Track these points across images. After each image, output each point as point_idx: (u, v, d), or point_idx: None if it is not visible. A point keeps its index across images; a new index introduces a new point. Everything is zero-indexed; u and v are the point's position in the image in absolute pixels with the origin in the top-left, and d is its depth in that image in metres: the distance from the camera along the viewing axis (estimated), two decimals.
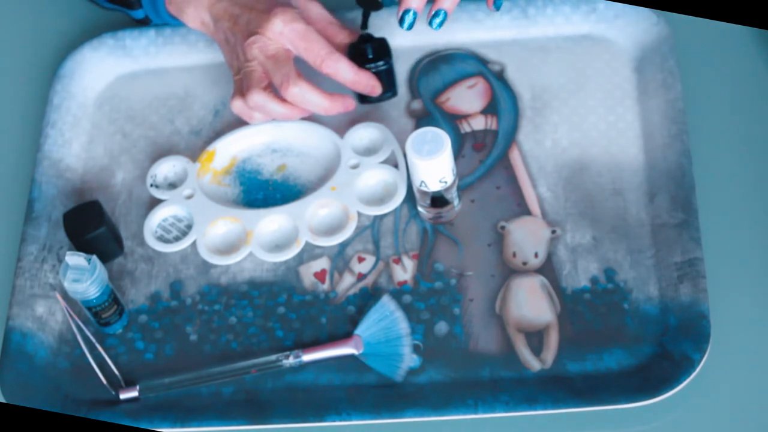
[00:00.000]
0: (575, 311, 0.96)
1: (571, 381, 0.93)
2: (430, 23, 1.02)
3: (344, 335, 0.97)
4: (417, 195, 1.00)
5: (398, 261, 1.01)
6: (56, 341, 1.00)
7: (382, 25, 1.12)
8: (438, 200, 1.00)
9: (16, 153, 1.12)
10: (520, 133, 1.06)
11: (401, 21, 1.01)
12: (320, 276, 1.01)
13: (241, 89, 1.03)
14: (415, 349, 0.96)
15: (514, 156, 1.05)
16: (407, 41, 1.12)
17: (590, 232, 1.00)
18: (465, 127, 1.08)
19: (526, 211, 1.02)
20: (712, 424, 0.91)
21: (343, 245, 1.02)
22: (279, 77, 1.01)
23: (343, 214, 1.04)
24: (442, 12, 1.01)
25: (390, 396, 0.93)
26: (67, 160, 1.09)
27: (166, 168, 1.08)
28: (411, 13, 1.01)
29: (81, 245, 1.01)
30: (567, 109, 1.07)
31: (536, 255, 1.00)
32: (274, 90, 1.03)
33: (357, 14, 1.12)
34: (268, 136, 1.09)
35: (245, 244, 1.02)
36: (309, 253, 1.02)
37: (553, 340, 0.95)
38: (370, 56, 1.06)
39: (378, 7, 1.07)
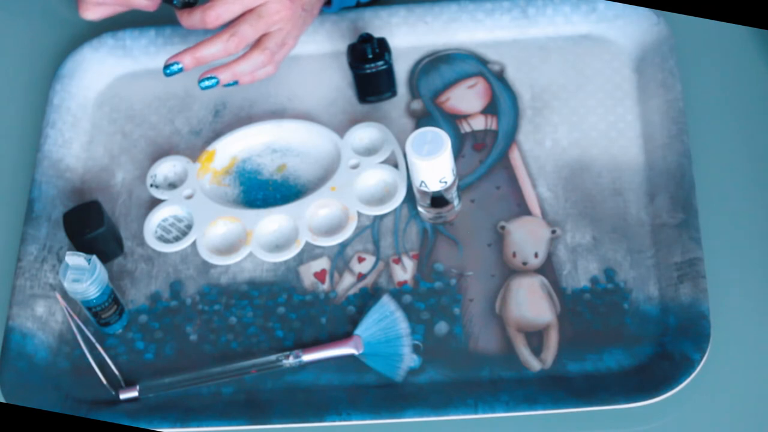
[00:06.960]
0: (575, 311, 0.96)
1: (571, 381, 0.93)
2: (200, 82, 1.03)
3: (344, 335, 0.97)
4: (417, 195, 1.00)
5: (398, 261, 1.01)
6: (56, 341, 1.00)
7: (382, 25, 1.12)
8: (438, 200, 1.00)
9: (16, 153, 1.12)
10: (520, 133, 1.06)
11: (166, 67, 1.03)
12: (320, 276, 1.01)
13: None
14: (415, 349, 0.96)
15: (514, 156, 1.05)
16: (407, 41, 1.12)
17: (590, 232, 1.00)
18: (465, 127, 1.08)
19: (526, 211, 1.02)
20: (712, 424, 0.91)
21: (343, 245, 1.02)
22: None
23: (343, 214, 1.03)
24: (215, 79, 1.03)
25: (390, 396, 0.93)
26: (67, 160, 1.09)
27: (166, 168, 1.08)
28: (176, 66, 1.02)
29: (81, 245, 1.01)
30: (567, 109, 1.07)
31: (536, 255, 1.00)
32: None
33: (357, 14, 1.12)
34: (268, 136, 1.09)
35: (245, 244, 1.02)
36: (309, 253, 1.02)
37: (553, 340, 0.95)
38: (370, 56, 1.06)
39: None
